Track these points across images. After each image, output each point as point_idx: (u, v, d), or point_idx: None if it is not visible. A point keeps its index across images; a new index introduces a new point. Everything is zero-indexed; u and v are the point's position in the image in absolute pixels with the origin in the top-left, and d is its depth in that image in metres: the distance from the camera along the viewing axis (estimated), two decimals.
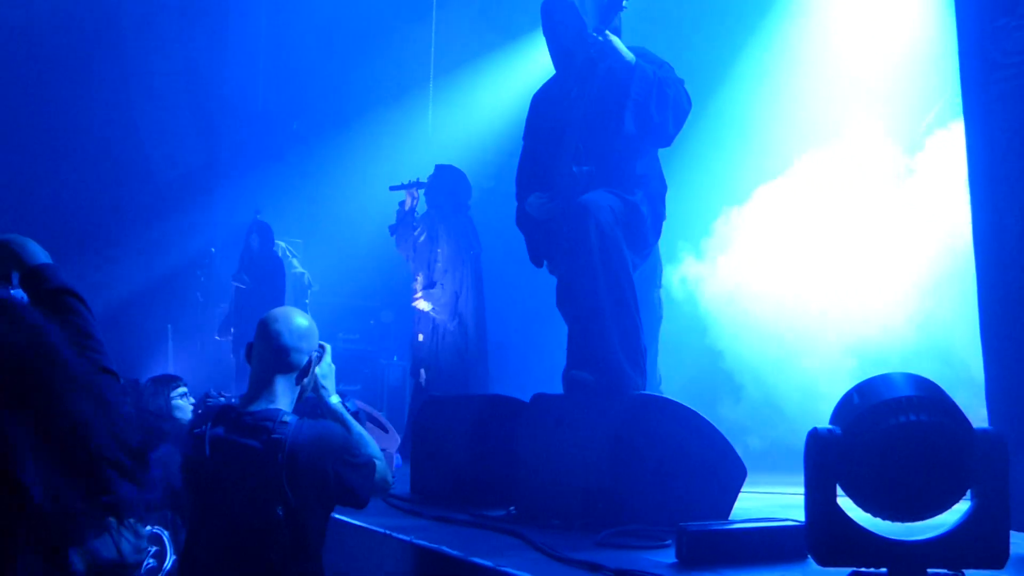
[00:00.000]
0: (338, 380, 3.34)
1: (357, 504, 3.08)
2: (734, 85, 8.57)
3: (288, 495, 2.87)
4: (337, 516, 3.86)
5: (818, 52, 8.39)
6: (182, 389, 4.80)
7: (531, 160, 4.86)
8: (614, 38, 4.37)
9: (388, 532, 3.82)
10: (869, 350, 7.30)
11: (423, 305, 7.90)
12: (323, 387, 3.20)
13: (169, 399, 4.70)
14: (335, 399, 3.23)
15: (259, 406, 3.02)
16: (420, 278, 8.08)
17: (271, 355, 3.07)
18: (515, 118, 6.01)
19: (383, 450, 6.77)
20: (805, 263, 7.90)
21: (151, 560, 3.94)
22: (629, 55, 4.37)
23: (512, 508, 4.34)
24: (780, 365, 7.86)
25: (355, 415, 6.04)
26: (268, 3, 10.32)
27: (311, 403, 3.27)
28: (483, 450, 4.73)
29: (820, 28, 8.41)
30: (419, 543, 3.56)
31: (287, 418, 2.97)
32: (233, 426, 2.98)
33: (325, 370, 3.22)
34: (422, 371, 7.98)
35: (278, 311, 3.22)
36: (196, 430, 3.02)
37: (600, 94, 4.43)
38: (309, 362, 3.14)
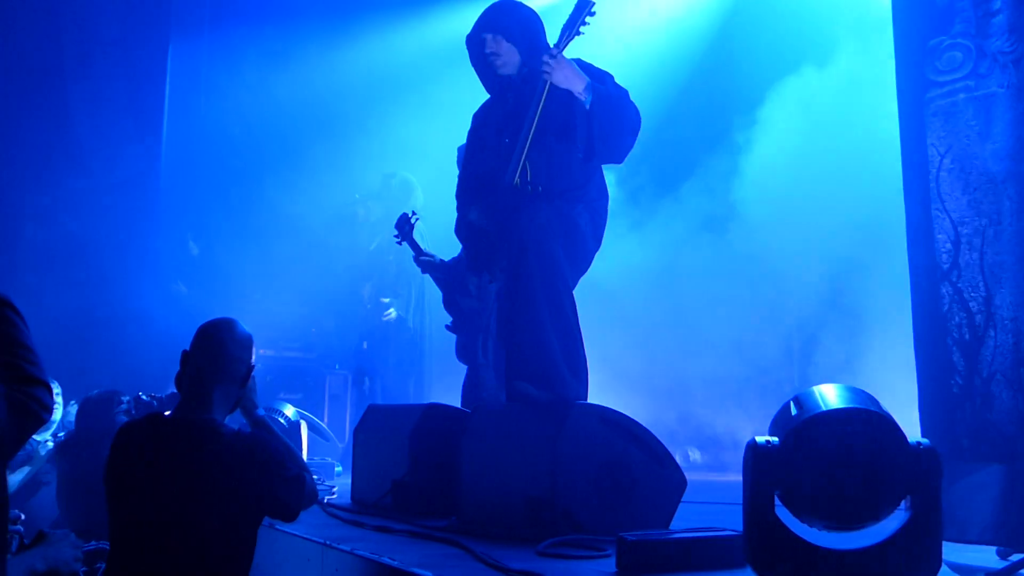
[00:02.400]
0: (279, 389, 3.33)
1: (287, 517, 3.05)
2: None
3: (220, 507, 2.83)
4: (277, 527, 3.83)
5: None
6: (124, 405, 4.71)
7: (472, 174, 4.87)
8: (569, 61, 4.38)
9: (327, 542, 3.79)
10: None
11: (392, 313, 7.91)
12: (249, 400, 3.17)
13: (112, 416, 4.61)
14: (261, 412, 3.21)
15: (194, 415, 2.98)
16: (368, 287, 8.06)
17: (212, 364, 3.03)
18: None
19: (324, 459, 6.75)
20: None
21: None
22: (584, 78, 4.37)
23: (454, 518, 4.33)
24: None
25: (296, 424, 6.01)
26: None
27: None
28: (425, 460, 4.71)
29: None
30: (359, 553, 3.53)
31: (223, 428, 2.94)
32: (165, 435, 2.93)
33: (250, 383, 3.20)
34: (366, 380, 7.95)
35: (220, 320, 3.18)
36: (127, 437, 2.97)
37: (550, 114, 4.43)
38: (247, 372, 3.12)
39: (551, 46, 4.41)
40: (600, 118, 4.34)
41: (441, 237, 7.17)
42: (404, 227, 6.47)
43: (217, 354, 3.05)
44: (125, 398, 4.77)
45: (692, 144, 8.76)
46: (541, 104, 4.37)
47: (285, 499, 2.98)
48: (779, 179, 8.01)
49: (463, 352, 5.36)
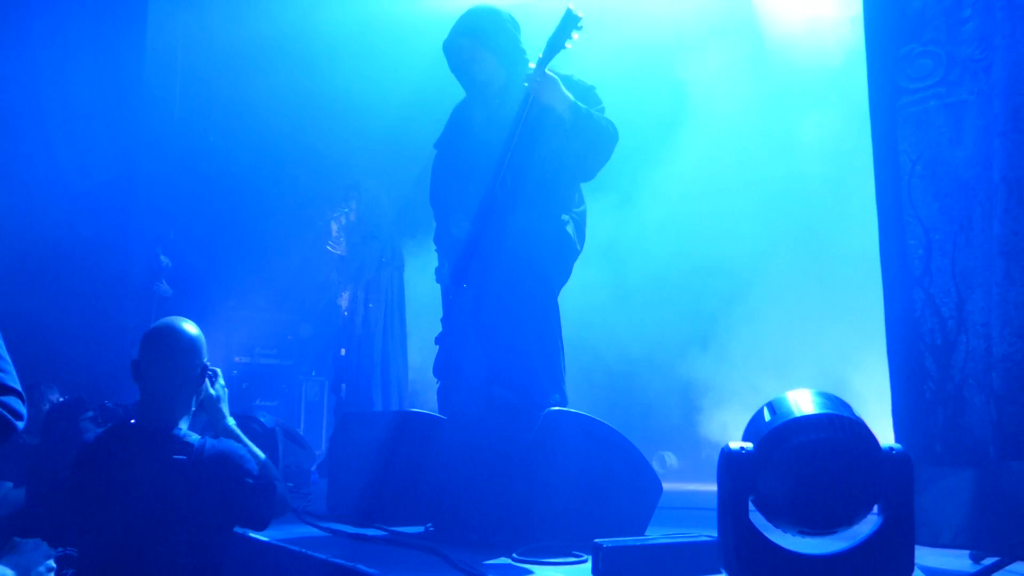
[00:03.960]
0: (255, 395, 3.30)
1: (256, 525, 3.02)
2: None
3: (190, 516, 2.80)
4: (251, 535, 3.81)
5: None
6: (90, 413, 4.65)
7: (450, 178, 4.86)
8: (557, 78, 4.37)
9: (303, 550, 3.77)
10: None
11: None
12: (218, 410, 3.13)
13: (77, 424, 4.55)
14: (231, 421, 3.17)
15: (156, 424, 2.93)
16: (345, 295, 8.03)
17: (167, 371, 2.97)
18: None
19: (300, 467, 6.71)
20: None
21: None
22: (569, 96, 4.39)
23: (429, 525, 4.32)
24: None
25: (272, 431, 5.98)
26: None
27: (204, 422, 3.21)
28: (401, 467, 4.70)
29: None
30: (335, 561, 3.52)
31: (190, 438, 2.89)
32: (132, 445, 2.88)
33: (219, 392, 3.16)
34: (343, 386, 7.92)
35: (167, 325, 3.10)
36: (91, 451, 2.92)
37: (534, 126, 4.44)
38: (202, 372, 3.07)
39: (537, 59, 4.40)
40: (578, 139, 4.37)
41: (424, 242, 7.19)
42: None
43: (167, 362, 2.98)
44: (89, 410, 4.70)
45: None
46: (524, 119, 4.38)
47: (254, 507, 2.95)
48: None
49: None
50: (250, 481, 2.94)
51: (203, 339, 3.13)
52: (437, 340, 4.86)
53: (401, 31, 8.96)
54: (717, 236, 8.29)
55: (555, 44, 4.30)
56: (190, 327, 3.11)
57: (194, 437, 2.90)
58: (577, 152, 4.40)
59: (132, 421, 3.07)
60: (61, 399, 5.16)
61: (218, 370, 3.20)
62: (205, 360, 3.09)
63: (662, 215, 8.37)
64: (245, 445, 3.13)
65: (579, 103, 4.38)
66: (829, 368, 7.15)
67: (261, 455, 3.16)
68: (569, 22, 4.27)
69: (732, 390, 7.88)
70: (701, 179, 8.22)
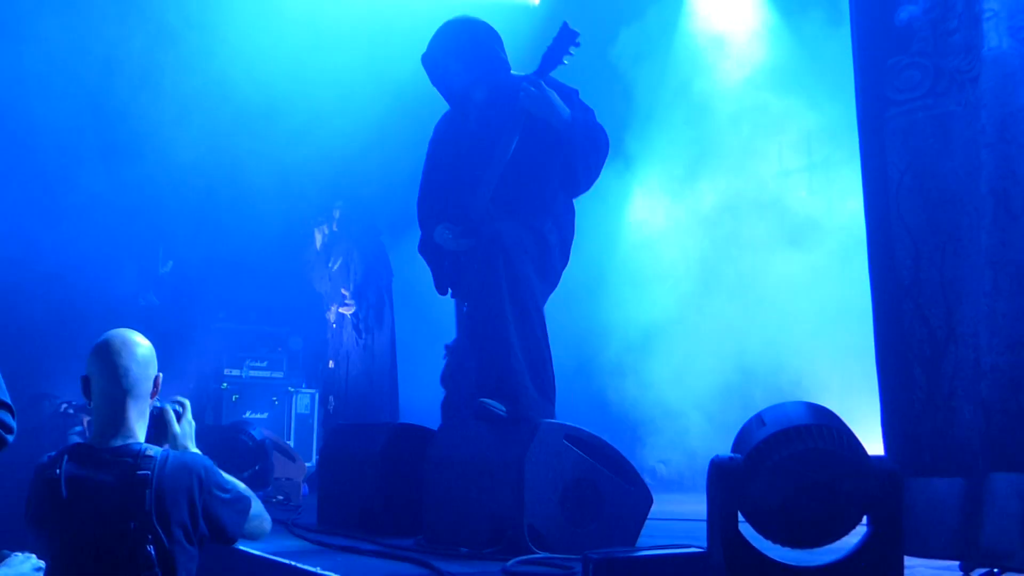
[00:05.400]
0: (245, 408, 3.26)
1: (227, 540, 2.94)
2: None
3: (159, 533, 2.74)
4: (240, 547, 3.79)
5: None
6: (78, 427, 4.59)
7: (435, 189, 4.87)
8: (551, 92, 4.38)
9: (294, 563, 3.76)
10: None
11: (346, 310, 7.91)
12: (184, 447, 3.06)
13: (66, 434, 4.52)
14: (196, 451, 3.09)
15: (117, 442, 2.87)
16: (334, 308, 8.03)
17: (121, 389, 2.89)
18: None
19: (289, 479, 6.70)
20: None
21: None
22: (565, 110, 4.39)
23: (420, 537, 4.31)
24: None
25: (262, 444, 5.96)
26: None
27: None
28: (392, 479, 4.70)
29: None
30: (325, 574, 3.51)
31: (151, 451, 2.83)
32: (91, 464, 2.82)
33: (186, 429, 3.09)
34: (331, 398, 7.91)
35: (115, 339, 2.99)
36: (48, 472, 2.84)
37: (530, 143, 4.46)
38: (156, 384, 3.00)
39: (533, 72, 4.40)
40: (582, 154, 4.40)
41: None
42: None
43: (124, 379, 2.92)
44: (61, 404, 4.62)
45: None
46: (514, 129, 4.39)
47: (224, 521, 2.89)
48: None
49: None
50: (218, 493, 2.88)
51: (153, 350, 3.04)
52: (446, 348, 4.87)
53: (390, 30, 8.96)
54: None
55: (552, 59, 4.32)
56: (141, 340, 3.02)
57: (155, 451, 2.83)
58: (583, 167, 4.42)
59: (84, 442, 2.99)
60: (71, 410, 5.07)
61: (186, 402, 3.12)
62: (158, 370, 3.02)
63: None
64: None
65: (576, 114, 4.39)
66: (817, 379, 7.16)
67: (235, 480, 3.08)
68: (566, 37, 4.28)
69: (724, 400, 7.88)
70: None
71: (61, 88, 9.06)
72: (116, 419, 2.88)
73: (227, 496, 2.92)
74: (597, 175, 4.54)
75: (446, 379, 5.07)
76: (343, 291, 7.99)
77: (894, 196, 3.64)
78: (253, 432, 6.24)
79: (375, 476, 4.75)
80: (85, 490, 2.77)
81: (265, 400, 9.34)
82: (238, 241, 9.78)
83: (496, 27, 4.66)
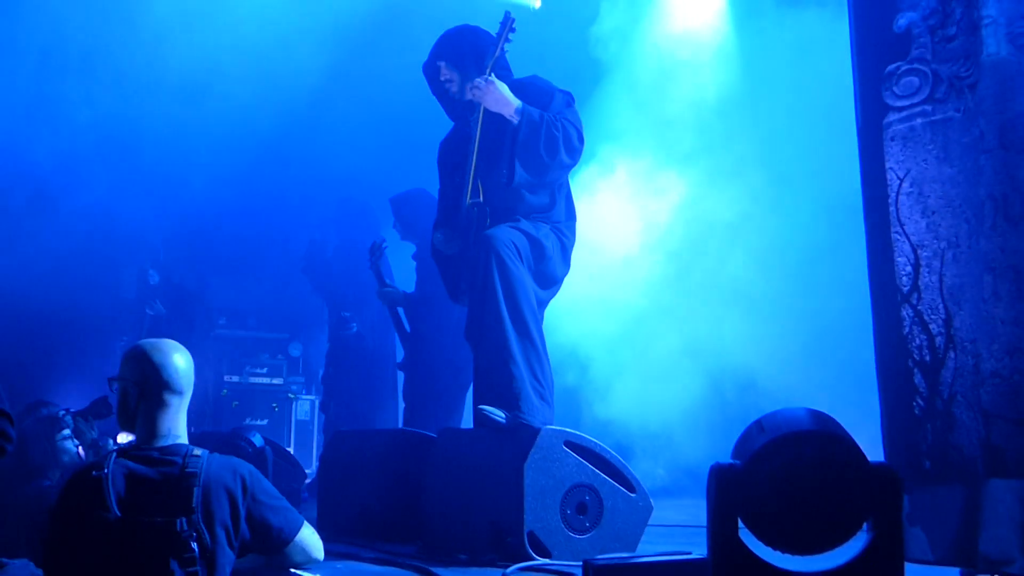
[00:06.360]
0: (244, 414, 3.27)
1: (274, 543, 2.93)
2: None
3: (204, 531, 2.76)
4: None
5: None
6: (66, 431, 4.54)
7: (440, 199, 4.92)
8: (500, 84, 4.40)
9: (294, 570, 3.75)
10: None
11: None
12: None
13: (54, 441, 4.47)
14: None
15: (163, 442, 2.91)
16: (334, 313, 8.02)
17: (170, 390, 2.95)
18: None
19: (290, 486, 6.67)
20: None
21: None
22: (515, 101, 4.39)
23: (420, 544, 4.31)
24: None
25: (261, 451, 5.93)
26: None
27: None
28: (392, 486, 4.69)
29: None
30: None
31: (197, 451, 2.87)
32: (140, 463, 2.85)
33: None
34: (332, 405, 7.90)
35: (158, 344, 3.02)
36: (95, 472, 2.86)
37: (492, 139, 4.48)
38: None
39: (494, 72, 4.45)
40: (523, 143, 4.36)
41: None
42: (375, 254, 6.50)
43: (169, 379, 2.95)
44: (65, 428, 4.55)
45: None
46: (479, 127, 4.43)
47: (270, 520, 2.90)
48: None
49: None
50: (264, 499, 2.89)
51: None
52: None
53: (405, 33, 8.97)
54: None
55: (493, 48, 4.43)
56: (176, 344, 3.07)
57: (201, 451, 2.86)
58: (522, 158, 4.37)
59: (124, 446, 3.01)
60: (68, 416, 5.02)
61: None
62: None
63: None
64: None
65: (528, 106, 4.40)
66: (817, 385, 7.15)
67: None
68: (504, 24, 4.41)
69: (723, 405, 7.87)
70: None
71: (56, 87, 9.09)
72: (160, 420, 2.91)
73: (274, 503, 2.94)
74: (546, 168, 4.43)
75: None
76: (343, 313, 7.99)
77: (893, 202, 3.65)
78: (252, 439, 6.21)
79: (375, 483, 4.75)
80: (133, 489, 2.79)
81: (265, 407, 9.35)
82: (238, 247, 9.79)
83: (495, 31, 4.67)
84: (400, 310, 6.46)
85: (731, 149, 8.27)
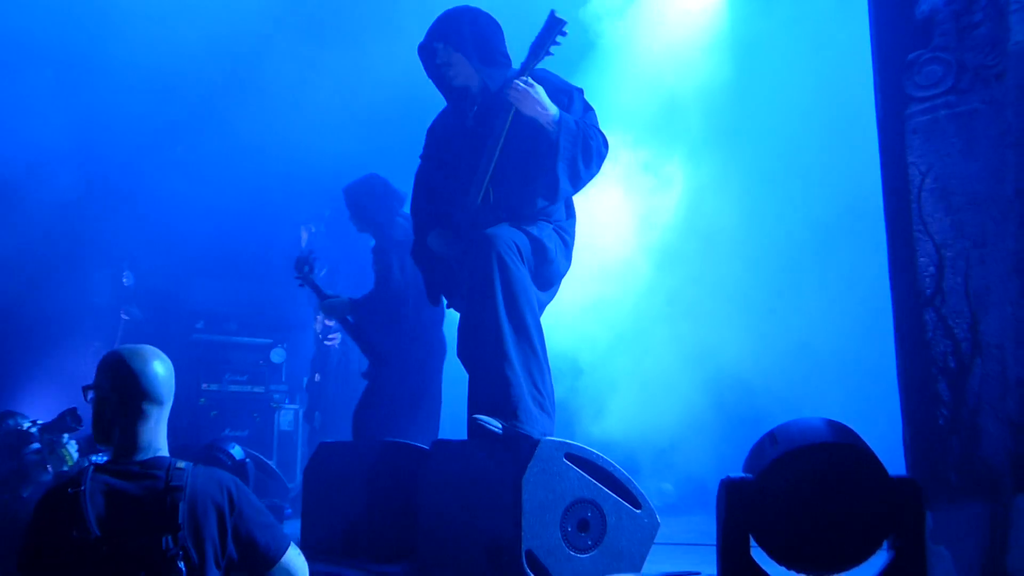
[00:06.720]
0: (225, 425, 3.26)
1: (261, 562, 2.93)
2: None
3: (191, 549, 2.75)
4: None
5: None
6: (35, 445, 4.53)
7: (429, 192, 4.86)
8: (540, 89, 4.33)
9: None
10: None
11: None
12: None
13: (21, 456, 4.46)
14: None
15: (143, 455, 2.89)
16: (319, 318, 8.02)
17: (148, 400, 2.94)
18: None
19: (272, 501, 6.67)
20: None
21: None
22: (552, 108, 4.34)
23: (409, 563, 4.29)
24: None
25: (242, 464, 5.92)
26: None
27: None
28: (380, 501, 4.68)
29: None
30: None
31: (180, 463, 2.85)
32: (118, 479, 2.83)
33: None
34: (317, 414, 7.90)
35: (136, 351, 3.01)
36: (71, 489, 2.84)
37: (519, 143, 4.44)
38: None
39: (519, 65, 4.38)
40: (563, 155, 4.34)
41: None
42: (303, 268, 6.34)
43: (147, 388, 2.94)
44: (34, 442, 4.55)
45: None
46: (506, 130, 4.37)
47: (256, 536, 2.89)
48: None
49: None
50: (251, 514, 2.88)
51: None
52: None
53: (386, 26, 8.97)
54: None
55: (538, 49, 4.29)
56: (155, 351, 3.05)
57: (184, 463, 2.85)
58: (572, 170, 4.38)
59: (99, 461, 2.99)
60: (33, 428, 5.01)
61: None
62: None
63: None
64: None
65: (565, 114, 4.37)
66: (826, 393, 7.16)
67: None
68: (554, 25, 4.25)
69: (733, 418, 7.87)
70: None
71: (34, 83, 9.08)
72: (139, 432, 2.89)
73: (262, 519, 2.92)
74: (582, 181, 4.46)
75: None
76: (326, 322, 7.96)
77: (915, 199, 3.63)
78: (232, 451, 6.20)
79: (362, 497, 4.73)
80: (113, 506, 2.77)
81: (246, 416, 9.31)
82: (217, 248, 9.78)
83: (498, 17, 4.64)
84: (349, 318, 6.28)
85: (736, 145, 8.26)
